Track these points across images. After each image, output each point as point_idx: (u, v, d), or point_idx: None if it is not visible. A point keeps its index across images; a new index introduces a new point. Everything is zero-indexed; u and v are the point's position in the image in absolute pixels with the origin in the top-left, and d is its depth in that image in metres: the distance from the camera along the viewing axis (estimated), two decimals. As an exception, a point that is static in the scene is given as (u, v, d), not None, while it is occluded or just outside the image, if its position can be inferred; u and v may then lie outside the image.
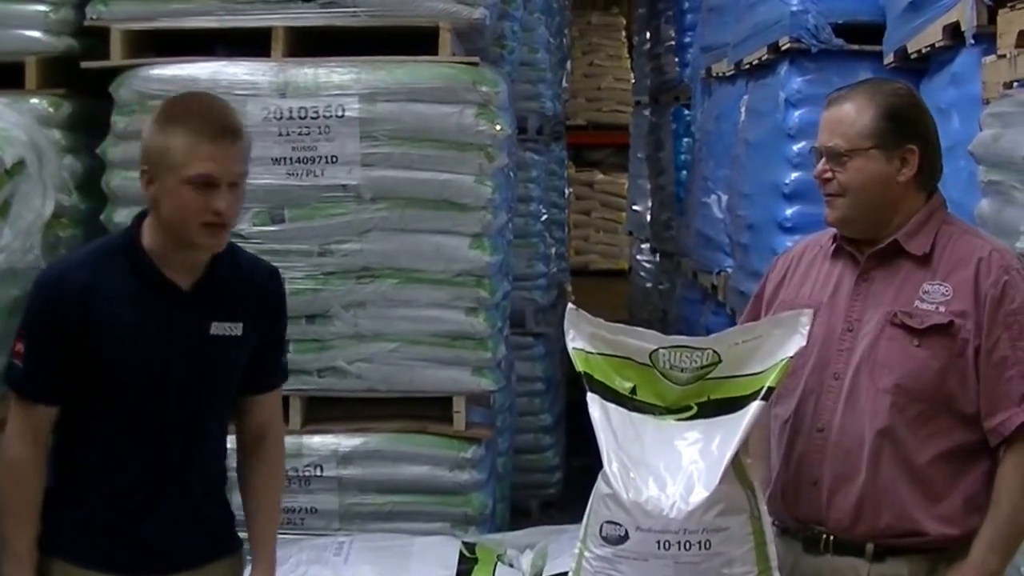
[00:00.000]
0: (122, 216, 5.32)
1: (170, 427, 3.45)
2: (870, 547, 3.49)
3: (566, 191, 10.88)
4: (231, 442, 3.68)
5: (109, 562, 3.44)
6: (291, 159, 5.32)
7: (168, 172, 3.32)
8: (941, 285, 3.46)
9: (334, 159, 5.34)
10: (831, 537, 3.53)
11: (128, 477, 3.44)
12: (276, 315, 3.64)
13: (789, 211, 6.08)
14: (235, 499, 3.73)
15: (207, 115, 3.39)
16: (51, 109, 5.40)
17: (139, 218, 3.48)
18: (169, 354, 3.41)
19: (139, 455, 3.44)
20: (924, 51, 5.33)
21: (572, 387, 7.46)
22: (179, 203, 3.33)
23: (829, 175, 3.51)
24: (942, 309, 3.44)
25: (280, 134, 5.35)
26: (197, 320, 3.44)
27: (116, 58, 5.48)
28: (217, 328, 3.46)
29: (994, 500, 3.43)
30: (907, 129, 3.51)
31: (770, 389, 3.41)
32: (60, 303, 3.37)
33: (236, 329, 3.49)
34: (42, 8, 5.50)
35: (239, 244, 4.96)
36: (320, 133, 5.30)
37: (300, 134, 5.34)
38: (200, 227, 3.34)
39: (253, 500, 3.67)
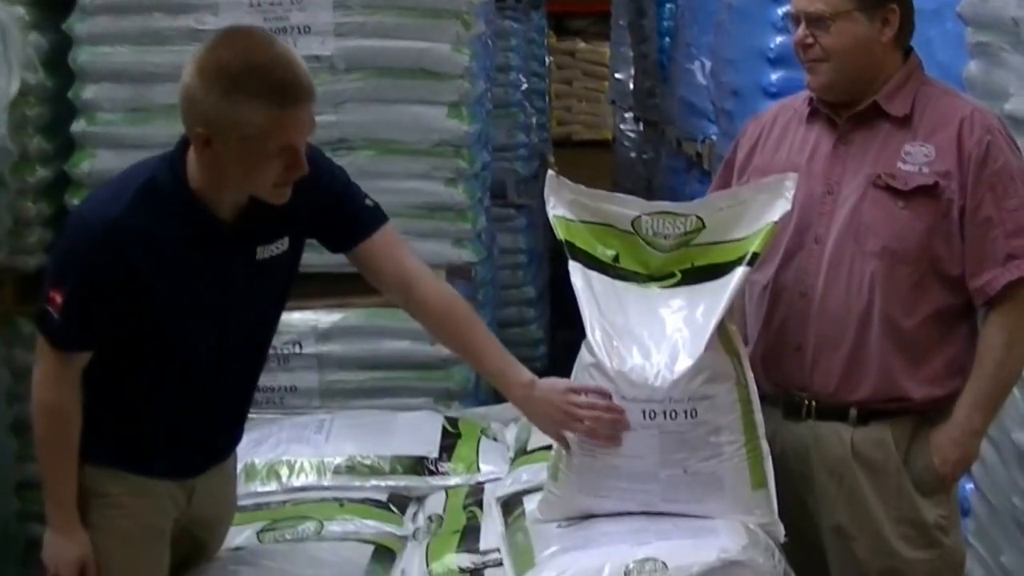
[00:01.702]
0: (90, 93, 5.23)
1: (225, 359, 3.36)
2: (853, 412, 3.52)
3: (547, 60, 10.79)
4: None
5: (161, 469, 3.39)
6: (262, 30, 5.18)
7: (242, 141, 3.06)
8: (923, 146, 3.45)
9: (307, 29, 5.22)
10: (813, 403, 3.55)
11: (186, 399, 3.36)
12: (319, 189, 3.35)
13: (774, 76, 5.98)
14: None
15: (282, 77, 3.07)
16: (14, -16, 5.27)
17: (181, 149, 3.22)
18: (221, 291, 3.27)
19: (193, 389, 3.35)
20: (911, -93, 5.22)
21: (555, 260, 7.41)
22: (256, 171, 3.11)
23: (811, 40, 3.49)
24: (926, 170, 3.43)
25: (251, 4, 5.22)
26: (243, 251, 3.28)
27: (81, -72, 5.33)
28: (263, 252, 3.30)
29: (977, 360, 3.46)
30: None
31: (755, 255, 3.38)
32: (103, 257, 3.13)
33: (282, 245, 3.33)
34: None
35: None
36: (292, 3, 5.17)
37: (271, 4, 5.21)
38: (274, 187, 3.14)
39: (464, 341, 3.51)
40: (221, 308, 3.30)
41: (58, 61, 5.33)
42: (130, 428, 3.36)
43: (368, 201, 3.49)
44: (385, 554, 3.77)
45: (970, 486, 4.61)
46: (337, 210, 3.43)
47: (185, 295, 3.23)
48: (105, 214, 3.17)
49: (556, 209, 3.52)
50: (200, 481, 3.48)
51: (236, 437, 3.62)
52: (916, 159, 3.44)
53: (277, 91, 3.05)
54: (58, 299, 3.18)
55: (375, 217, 3.48)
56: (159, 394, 3.35)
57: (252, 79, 3.04)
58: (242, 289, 3.31)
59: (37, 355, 3.30)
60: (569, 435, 3.39)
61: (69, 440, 3.29)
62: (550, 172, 3.58)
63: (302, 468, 4.38)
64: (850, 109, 3.54)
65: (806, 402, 3.57)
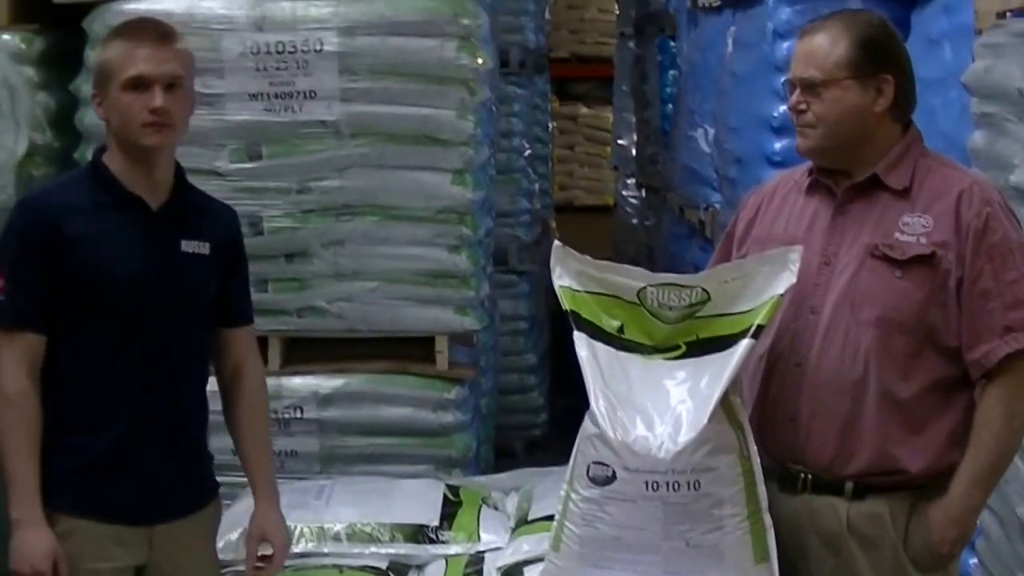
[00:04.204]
0: (97, 154, 5.25)
1: (152, 350, 3.47)
2: (849, 486, 3.48)
3: (549, 125, 10.78)
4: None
5: (99, 507, 3.43)
6: (268, 95, 5.22)
7: (110, 85, 3.47)
8: (921, 217, 3.44)
9: (312, 94, 5.24)
10: (809, 476, 3.51)
11: (114, 409, 3.45)
12: (237, 251, 3.73)
13: (777, 145, 6.00)
14: (214, 443, 3.74)
15: (138, 25, 3.62)
16: (23, 45, 5.28)
17: (100, 150, 3.60)
18: (144, 268, 3.47)
19: (124, 384, 3.45)
20: (916, -20, 5.26)
21: (556, 326, 7.39)
22: (121, 109, 3.46)
23: (804, 106, 3.49)
24: (923, 240, 3.42)
25: (257, 69, 5.24)
26: (167, 236, 3.53)
27: (89, -9, 5.36)
28: (187, 245, 3.55)
29: (975, 434, 3.42)
30: (881, 58, 3.48)
31: (760, 327, 3.38)
32: (36, 224, 3.45)
33: (204, 248, 3.57)
34: (12, -59, 5.37)
35: (217, 181, 4.94)
36: (298, 68, 5.20)
37: (278, 69, 5.24)
38: (142, 127, 3.44)
39: (241, 438, 3.73)
40: (142, 284, 3.46)
41: (65, 121, 5.35)
42: (56, 446, 3.42)
43: (249, 299, 3.83)
44: (385, 623, 3.76)
45: (973, 560, 4.59)
46: (232, 281, 3.70)
47: (108, 264, 3.44)
48: (31, 195, 3.75)
49: (562, 279, 3.52)
50: (161, 531, 3.50)
51: (180, 500, 3.58)
52: (914, 229, 3.43)
53: (132, 33, 3.55)
54: (0, 281, 3.45)
55: (250, 315, 3.82)
56: (83, 396, 3.46)
57: (118, 30, 3.63)
58: (165, 274, 3.50)
59: None
60: (572, 497, 3.40)
61: (32, 429, 3.40)
62: (556, 243, 3.59)
63: (302, 534, 4.37)
64: (848, 180, 3.54)
65: (801, 475, 3.53)
